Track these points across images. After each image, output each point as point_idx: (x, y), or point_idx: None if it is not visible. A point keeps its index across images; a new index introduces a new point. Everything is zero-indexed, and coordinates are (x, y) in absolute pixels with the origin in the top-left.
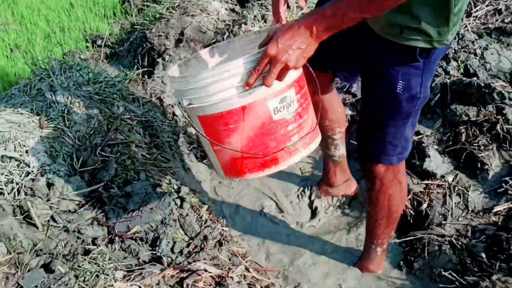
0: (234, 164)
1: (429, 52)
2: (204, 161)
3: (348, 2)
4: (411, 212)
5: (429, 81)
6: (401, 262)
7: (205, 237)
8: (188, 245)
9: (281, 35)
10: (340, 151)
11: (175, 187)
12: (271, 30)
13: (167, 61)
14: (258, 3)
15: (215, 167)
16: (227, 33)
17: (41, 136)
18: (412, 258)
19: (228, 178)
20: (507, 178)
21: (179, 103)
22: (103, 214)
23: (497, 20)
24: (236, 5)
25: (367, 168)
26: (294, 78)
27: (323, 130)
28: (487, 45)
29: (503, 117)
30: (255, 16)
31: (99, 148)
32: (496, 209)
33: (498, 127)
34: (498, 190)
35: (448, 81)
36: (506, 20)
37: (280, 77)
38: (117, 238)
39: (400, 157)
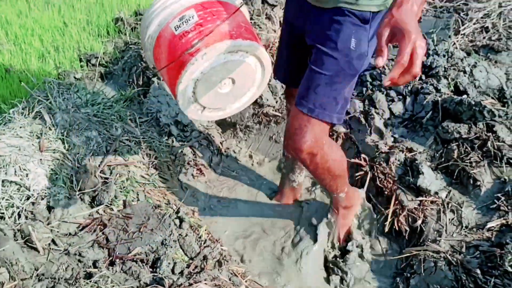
0: (170, 78)
1: (375, 15)
2: (200, 179)
3: None
4: (406, 228)
5: (373, 43)
6: (398, 279)
7: (205, 257)
8: (188, 266)
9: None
10: (301, 177)
11: (174, 207)
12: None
13: (162, 80)
14: (251, 22)
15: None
16: None
17: (41, 159)
18: (409, 275)
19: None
20: (499, 195)
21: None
22: (103, 236)
23: (484, 38)
24: None
25: (299, 134)
26: (193, 2)
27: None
28: (476, 63)
29: (494, 134)
30: None
31: (99, 170)
32: (489, 225)
33: (489, 144)
34: (491, 206)
35: (439, 99)
36: (493, 38)
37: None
38: (118, 260)
39: (339, 117)
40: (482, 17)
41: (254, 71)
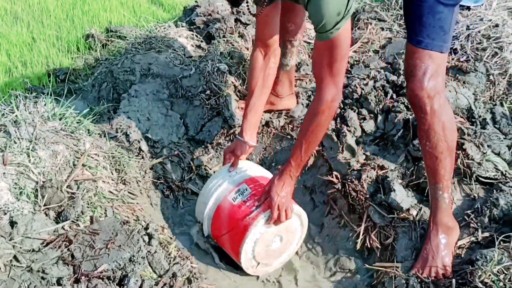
0: (232, 242)
1: None
2: (170, 197)
3: (299, 153)
4: (378, 245)
5: None
6: None
7: (174, 275)
8: (157, 283)
9: (275, 189)
10: (293, 60)
11: (143, 223)
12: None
13: (133, 96)
14: (224, 40)
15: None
16: (193, 69)
17: (4, 173)
18: None
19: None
20: (468, 212)
21: None
22: (69, 252)
23: (453, 59)
24: (202, 41)
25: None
26: (244, 178)
27: (288, 35)
28: (445, 83)
29: (463, 152)
30: (221, 53)
31: (65, 184)
32: (460, 242)
33: (458, 161)
34: (461, 224)
35: (410, 117)
36: (461, 59)
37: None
38: (83, 277)
39: (447, 47)
40: None
41: (297, 229)
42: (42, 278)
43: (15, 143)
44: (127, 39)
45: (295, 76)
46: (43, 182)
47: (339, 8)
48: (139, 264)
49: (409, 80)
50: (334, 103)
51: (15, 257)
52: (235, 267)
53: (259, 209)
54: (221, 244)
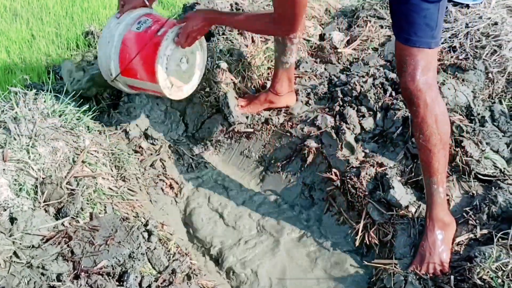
0: (145, 63)
1: None
2: (169, 194)
3: (232, 20)
4: (376, 242)
5: None
6: None
7: (174, 271)
8: (156, 280)
9: (192, 18)
10: (292, 58)
11: (143, 220)
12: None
13: (133, 93)
14: (223, 37)
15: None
16: None
17: (4, 169)
18: None
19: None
20: (467, 209)
21: None
22: (68, 249)
23: (452, 57)
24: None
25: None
26: (141, 13)
27: None
28: (444, 81)
29: (462, 150)
30: (220, 50)
31: (65, 181)
32: (458, 239)
33: (457, 159)
34: (460, 221)
35: (409, 114)
36: (460, 57)
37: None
38: (83, 273)
39: (436, 42)
40: (450, 37)
41: (197, 50)
42: (42, 274)
43: (15, 139)
44: None
45: (294, 74)
46: (43, 178)
47: None
48: (139, 260)
49: (400, 75)
50: (285, 34)
51: (15, 253)
52: None
53: (166, 28)
54: (132, 74)
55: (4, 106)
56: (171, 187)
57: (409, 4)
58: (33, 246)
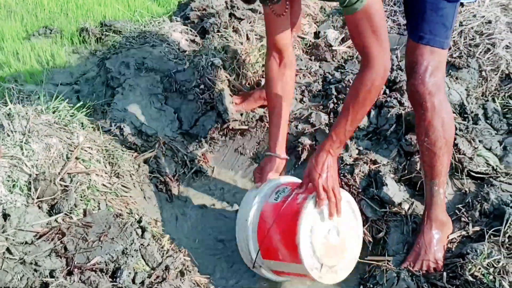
0: (284, 236)
1: None
2: (163, 191)
3: (343, 124)
4: (370, 239)
5: None
6: None
7: (167, 267)
8: (149, 276)
9: (316, 169)
10: None
11: (136, 216)
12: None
13: (127, 90)
14: (218, 35)
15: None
16: (187, 64)
17: None
18: (371, 285)
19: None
20: (460, 206)
21: None
22: (61, 245)
23: None
24: (196, 36)
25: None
26: (281, 183)
27: None
28: None
29: (455, 147)
30: (215, 47)
31: (59, 177)
32: (451, 236)
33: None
34: (452, 218)
35: (403, 112)
36: (454, 55)
37: (337, 194)
38: (76, 269)
39: (448, 43)
40: None
41: (350, 218)
42: (35, 270)
43: (8, 136)
44: (121, 33)
45: None
46: (36, 175)
47: None
48: (132, 256)
49: (410, 76)
50: (386, 72)
51: (8, 249)
52: None
53: (304, 194)
54: (273, 255)
55: None
56: (165, 184)
57: (427, 2)
58: (26, 243)
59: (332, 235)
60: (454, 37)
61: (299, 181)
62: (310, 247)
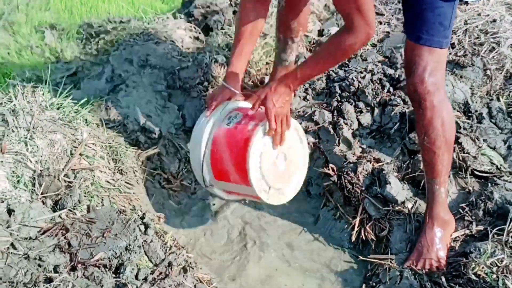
0: (237, 161)
1: None
2: (166, 188)
3: (311, 69)
4: (373, 238)
5: None
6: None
7: (170, 264)
8: (152, 272)
9: (271, 96)
10: (292, 56)
11: (140, 213)
12: (259, 91)
13: (131, 86)
14: (222, 32)
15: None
16: (191, 61)
17: (2, 161)
18: (374, 284)
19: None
20: (463, 205)
21: None
22: (65, 241)
23: (450, 54)
24: (200, 33)
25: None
26: (232, 108)
27: (290, 31)
28: None
29: (459, 146)
30: (219, 45)
31: (63, 173)
32: (454, 235)
33: (454, 155)
34: (456, 217)
35: (407, 110)
36: (459, 54)
37: (287, 125)
38: (79, 265)
39: (447, 42)
40: None
41: (297, 145)
42: (39, 265)
43: (13, 131)
44: (125, 30)
45: None
46: (41, 170)
47: None
48: (135, 253)
49: (409, 76)
50: (368, 39)
51: (12, 244)
52: None
53: (255, 121)
54: (225, 177)
55: (3, 98)
56: (167, 180)
57: (423, 2)
58: (30, 238)
59: (279, 160)
60: (459, 36)
61: (249, 106)
62: (259, 172)
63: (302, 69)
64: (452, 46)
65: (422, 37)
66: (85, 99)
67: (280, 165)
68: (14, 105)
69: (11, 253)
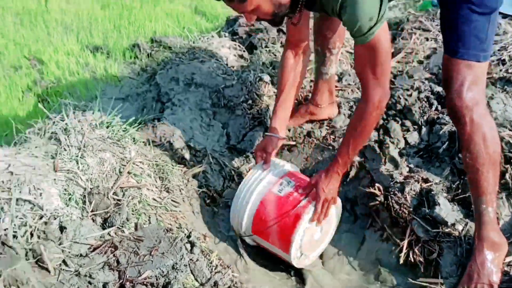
0: (281, 232)
1: None
2: (211, 206)
3: (346, 151)
4: (421, 260)
5: None
6: None
7: (216, 283)
8: None
9: (322, 184)
10: (332, 69)
11: (186, 231)
12: (312, 178)
13: (177, 105)
14: (266, 50)
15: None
16: (235, 79)
17: (54, 179)
18: None
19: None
20: None
21: None
22: (114, 258)
23: (501, 70)
24: (244, 51)
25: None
26: (285, 172)
27: (326, 43)
28: (493, 95)
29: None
30: (263, 63)
31: (111, 191)
32: (508, 259)
33: (507, 176)
34: (509, 240)
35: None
36: (510, 70)
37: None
38: (128, 283)
39: (485, 55)
40: (499, 50)
41: (333, 219)
42: (89, 282)
43: (65, 150)
44: (171, 49)
45: (337, 86)
46: (91, 188)
47: (371, 13)
48: (182, 271)
49: (447, 91)
50: (381, 104)
51: (64, 261)
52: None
53: (308, 198)
54: (264, 236)
55: (55, 117)
56: (212, 198)
57: (458, 16)
58: (81, 255)
59: (317, 233)
60: (509, 52)
61: (300, 174)
62: (299, 243)
63: (340, 155)
64: (503, 62)
65: (458, 51)
66: (133, 117)
67: (316, 236)
68: (66, 124)
69: (63, 269)
